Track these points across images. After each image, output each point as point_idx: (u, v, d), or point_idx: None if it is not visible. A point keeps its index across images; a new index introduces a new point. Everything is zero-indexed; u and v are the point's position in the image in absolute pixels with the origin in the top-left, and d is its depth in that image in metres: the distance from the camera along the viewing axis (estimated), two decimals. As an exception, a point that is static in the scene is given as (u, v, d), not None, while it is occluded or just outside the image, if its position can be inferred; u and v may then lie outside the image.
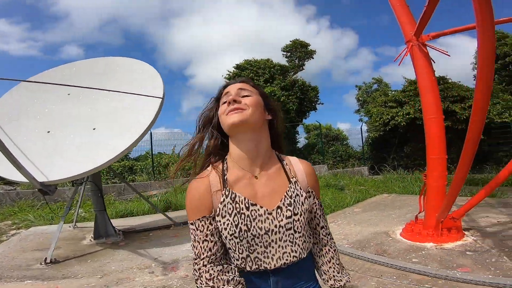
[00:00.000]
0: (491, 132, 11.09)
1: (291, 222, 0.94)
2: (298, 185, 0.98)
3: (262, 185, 0.96)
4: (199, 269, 0.91)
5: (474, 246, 3.54)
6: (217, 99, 1.05)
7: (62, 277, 3.30)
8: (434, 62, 3.99)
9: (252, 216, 0.92)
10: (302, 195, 0.98)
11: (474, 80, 14.00)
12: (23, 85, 5.15)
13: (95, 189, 5.07)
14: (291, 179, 0.99)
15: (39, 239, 5.04)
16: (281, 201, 0.94)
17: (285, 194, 0.95)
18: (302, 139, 15.37)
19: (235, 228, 0.91)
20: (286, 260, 0.94)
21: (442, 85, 11.26)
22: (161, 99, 4.85)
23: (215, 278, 0.90)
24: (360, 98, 16.23)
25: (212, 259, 0.91)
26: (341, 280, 1.04)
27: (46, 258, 3.74)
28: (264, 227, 0.92)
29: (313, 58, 13.13)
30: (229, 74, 13.39)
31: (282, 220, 0.93)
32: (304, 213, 0.96)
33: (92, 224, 5.47)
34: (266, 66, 12.70)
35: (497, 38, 11.96)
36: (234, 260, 0.95)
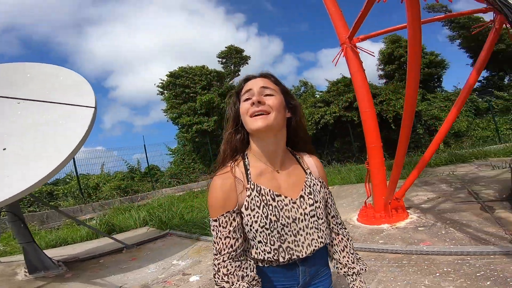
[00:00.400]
0: (397, 124, 13.25)
1: (314, 210, 1.01)
2: (313, 176, 1.07)
3: (284, 178, 1.02)
4: (218, 264, 0.93)
5: (421, 222, 4.08)
6: (237, 92, 1.07)
7: None
8: (362, 62, 4.57)
9: (279, 206, 0.97)
10: (317, 184, 1.07)
11: (379, 79, 16.44)
12: None
13: (14, 220, 4.25)
14: (307, 171, 1.07)
15: None
16: (302, 190, 1.02)
17: (304, 184, 1.03)
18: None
19: (265, 220, 0.95)
20: (315, 246, 1.01)
21: None
22: (93, 109, 4.30)
23: (231, 274, 0.93)
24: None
25: (232, 255, 0.94)
26: (355, 268, 1.11)
27: None
28: (291, 215, 0.98)
29: (247, 63, 13.52)
30: (162, 83, 12.71)
31: (306, 208, 1.00)
32: (321, 201, 1.05)
33: (19, 257, 4.70)
34: (202, 73, 12.49)
35: (392, 41, 14.34)
36: (265, 253, 0.97)
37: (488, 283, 2.35)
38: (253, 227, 0.95)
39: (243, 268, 0.95)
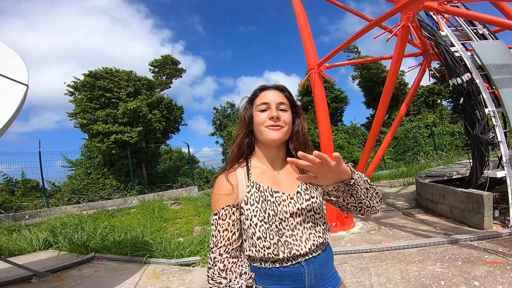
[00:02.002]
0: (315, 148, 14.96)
1: (310, 204, 1.06)
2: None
3: (282, 177, 1.10)
4: (215, 258, 0.96)
5: (368, 227, 4.59)
6: (251, 99, 1.15)
7: None
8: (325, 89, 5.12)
9: (277, 201, 1.03)
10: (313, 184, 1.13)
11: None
12: None
13: None
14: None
15: None
16: (299, 187, 1.08)
17: (301, 182, 1.08)
18: (162, 162, 14.29)
19: (264, 214, 1.00)
20: (314, 241, 1.03)
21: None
22: (26, 87, 3.31)
23: (228, 270, 0.95)
24: (217, 121, 17.28)
25: (228, 248, 0.97)
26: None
27: None
28: (289, 210, 1.02)
29: (181, 76, 12.83)
30: (75, 82, 10.70)
31: (302, 203, 1.05)
32: (319, 196, 1.09)
33: None
34: (130, 78, 11.15)
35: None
36: (265, 249, 0.99)
37: (459, 262, 2.90)
38: (253, 221, 1.00)
39: (240, 265, 0.98)
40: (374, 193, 1.04)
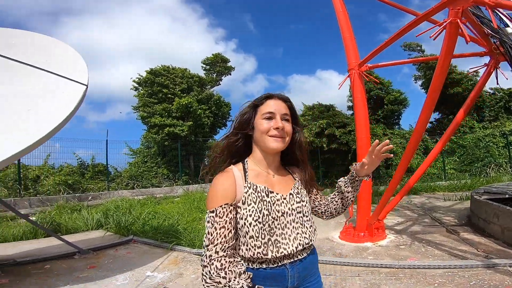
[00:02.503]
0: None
1: (300, 207, 1.14)
2: (300, 183, 1.22)
3: (276, 180, 1.17)
4: (210, 256, 0.95)
5: (400, 241, 4.22)
6: (255, 105, 1.18)
7: None
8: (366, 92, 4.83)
9: (271, 201, 1.08)
10: (304, 189, 1.22)
11: (347, 109, 17.47)
12: None
13: None
14: (296, 179, 1.22)
15: None
16: (291, 189, 1.16)
17: (293, 186, 1.18)
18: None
19: (259, 214, 1.04)
20: (300, 241, 1.09)
21: (331, 111, 13.58)
22: (85, 87, 3.81)
23: (227, 269, 0.94)
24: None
25: (225, 246, 0.97)
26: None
27: None
28: (281, 209, 1.09)
29: (230, 74, 13.38)
30: (139, 78, 11.95)
31: (293, 204, 1.13)
32: (308, 202, 1.19)
33: None
34: (184, 75, 12.04)
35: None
36: (255, 248, 1.02)
37: (484, 291, 2.48)
38: (247, 220, 1.03)
39: (236, 264, 0.98)
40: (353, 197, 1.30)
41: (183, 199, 8.80)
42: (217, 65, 12.66)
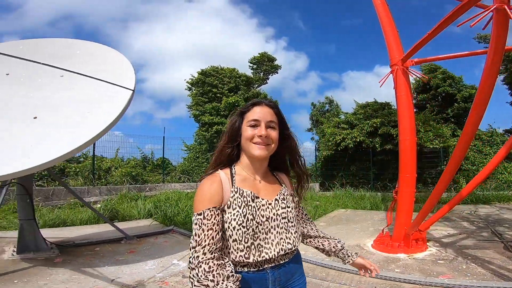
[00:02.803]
0: (422, 157, 12.63)
1: (285, 213, 1.16)
2: (287, 189, 1.23)
3: (263, 186, 1.18)
4: (198, 257, 0.94)
5: (440, 255, 3.79)
6: (242, 112, 1.20)
7: None
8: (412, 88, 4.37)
9: (257, 206, 1.10)
10: (290, 196, 1.23)
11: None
12: None
13: (22, 193, 4.12)
14: (282, 185, 1.24)
15: None
16: (277, 195, 1.18)
17: (279, 192, 1.19)
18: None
19: (243, 218, 1.05)
20: (283, 246, 1.11)
21: (386, 110, 12.57)
22: (131, 92, 4.26)
23: (215, 271, 0.93)
24: (314, 117, 17.06)
25: (212, 248, 0.96)
26: (340, 242, 1.38)
27: None
28: (266, 214, 1.11)
29: (277, 73, 13.44)
30: (192, 79, 12.84)
31: (279, 209, 1.15)
32: (294, 208, 1.21)
33: (12, 233, 4.54)
34: (232, 75, 12.53)
35: (430, 70, 13.84)
36: (238, 251, 1.04)
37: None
38: (231, 224, 1.04)
39: (224, 267, 0.97)
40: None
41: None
42: (264, 64, 12.81)
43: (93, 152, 10.80)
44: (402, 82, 4.15)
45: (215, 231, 1.00)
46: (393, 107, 12.95)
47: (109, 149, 12.18)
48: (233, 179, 1.14)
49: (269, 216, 1.11)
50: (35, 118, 3.72)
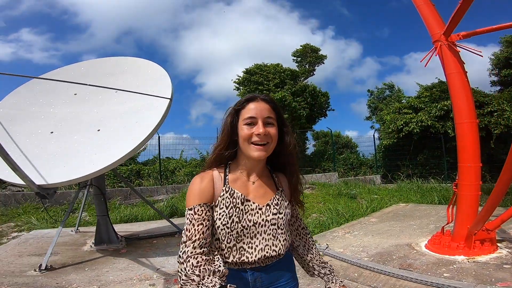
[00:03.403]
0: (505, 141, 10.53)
1: (276, 219, 1.10)
2: (283, 194, 1.17)
3: (256, 188, 1.12)
4: (187, 251, 0.95)
5: (511, 259, 3.15)
6: (237, 110, 1.12)
7: (55, 285, 3.05)
8: (465, 63, 3.73)
9: (245, 210, 1.07)
10: (286, 201, 1.16)
11: (491, 86, 13.51)
12: (28, 85, 5.06)
13: (97, 193, 4.85)
14: (279, 188, 1.17)
15: (38, 243, 4.84)
16: (270, 200, 1.11)
17: (274, 197, 1.13)
18: (310, 146, 15.06)
19: (228, 219, 1.03)
20: (267, 253, 1.07)
21: None
22: (169, 100, 4.65)
23: (201, 267, 0.93)
24: (372, 105, 15.82)
25: (202, 243, 0.96)
26: (327, 268, 1.23)
27: (41, 265, 3.51)
28: (253, 219, 1.06)
29: (323, 63, 12.87)
30: (238, 79, 13.24)
31: (269, 215, 1.09)
32: (287, 214, 1.14)
33: (94, 229, 5.25)
34: (276, 70, 12.50)
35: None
36: (219, 250, 1.05)
37: None
38: (216, 223, 1.04)
39: (212, 262, 0.96)
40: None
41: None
42: (308, 56, 12.38)
43: (159, 155, 12.08)
44: (450, 59, 3.57)
45: (205, 226, 1.00)
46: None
47: (176, 151, 13.49)
48: (226, 177, 1.10)
49: (257, 221, 1.07)
50: (98, 130, 4.42)
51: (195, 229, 0.97)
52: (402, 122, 11.22)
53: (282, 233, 1.10)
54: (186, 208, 1.03)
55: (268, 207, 1.10)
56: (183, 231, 1.00)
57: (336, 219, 5.87)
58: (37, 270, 3.49)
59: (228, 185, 1.08)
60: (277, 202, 1.12)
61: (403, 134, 11.33)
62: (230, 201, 1.06)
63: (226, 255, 1.05)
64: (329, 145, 13.80)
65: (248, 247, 1.05)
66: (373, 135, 13.55)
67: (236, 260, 1.05)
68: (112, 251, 4.42)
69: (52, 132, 4.24)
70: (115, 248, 4.57)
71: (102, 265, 3.81)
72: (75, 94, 5.02)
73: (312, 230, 5.12)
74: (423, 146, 11.88)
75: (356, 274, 3.09)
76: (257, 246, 1.06)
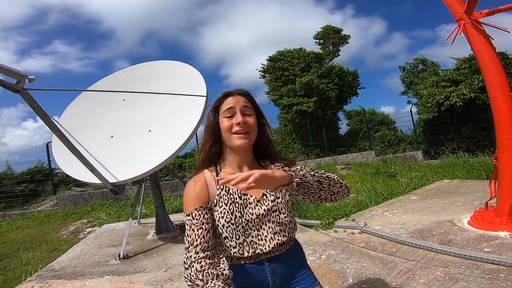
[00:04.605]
0: None
1: (275, 205, 1.11)
2: None
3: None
4: (191, 257, 0.97)
5: None
6: (216, 107, 1.18)
7: (134, 271, 3.54)
8: (493, 39, 3.61)
9: (244, 204, 1.08)
10: None
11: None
12: (82, 96, 5.67)
13: (154, 187, 5.41)
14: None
15: (111, 235, 5.54)
16: (264, 189, 1.11)
17: None
18: (344, 126, 14.82)
19: (231, 215, 1.06)
20: (278, 240, 1.09)
21: (502, 61, 9.89)
22: (205, 98, 5.00)
23: (205, 271, 0.94)
24: (406, 80, 14.98)
25: (204, 247, 0.97)
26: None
27: (119, 254, 4.07)
28: (255, 212, 1.08)
29: (348, 43, 12.50)
30: (263, 67, 13.31)
31: (268, 204, 1.10)
32: (284, 197, 1.13)
33: (152, 220, 5.82)
34: (300, 55, 12.36)
35: None
36: (231, 248, 1.06)
37: None
38: (220, 222, 1.06)
39: (216, 265, 0.97)
40: (330, 182, 1.05)
41: (313, 172, 9.42)
42: (330, 37, 12.06)
43: (197, 148, 12.78)
44: (476, 37, 3.49)
45: (205, 230, 1.01)
46: (510, 56, 10.21)
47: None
48: (219, 175, 1.13)
49: (259, 213, 1.09)
50: (149, 131, 4.95)
51: (195, 234, 0.99)
52: (443, 96, 10.57)
53: (285, 217, 1.12)
54: (185, 215, 1.05)
55: (264, 196, 1.11)
56: (185, 237, 1.02)
57: (375, 198, 5.93)
58: (117, 259, 4.04)
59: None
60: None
61: (444, 107, 10.70)
62: (228, 198, 1.08)
63: (240, 252, 1.07)
64: (363, 123, 13.48)
65: (258, 239, 1.08)
66: (410, 110, 12.94)
67: (251, 254, 1.08)
68: (171, 239, 4.94)
69: (112, 136, 4.86)
70: (173, 235, 5.08)
71: (165, 251, 4.32)
72: (124, 100, 5.61)
73: (350, 210, 5.28)
74: (468, 119, 11.14)
75: (394, 249, 3.25)
76: (266, 236, 1.09)
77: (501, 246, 2.97)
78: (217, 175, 1.13)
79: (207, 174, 1.13)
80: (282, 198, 1.13)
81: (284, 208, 1.13)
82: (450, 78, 10.97)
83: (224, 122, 1.11)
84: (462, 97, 10.15)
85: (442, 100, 10.63)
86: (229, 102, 1.13)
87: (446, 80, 11.04)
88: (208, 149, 1.17)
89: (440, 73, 12.46)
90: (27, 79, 2.53)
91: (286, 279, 1.15)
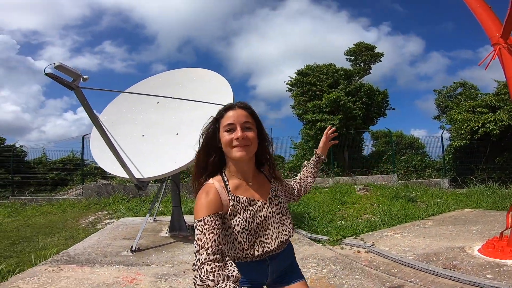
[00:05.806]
0: None
1: (279, 208, 1.30)
2: (275, 184, 1.36)
3: (255, 188, 1.28)
4: (200, 259, 1.00)
5: None
6: (217, 119, 1.25)
7: (142, 264, 3.75)
8: None
9: (254, 209, 1.22)
10: (279, 189, 1.37)
11: None
12: (123, 96, 6.20)
13: (174, 187, 5.74)
14: (271, 181, 1.36)
15: (127, 229, 5.87)
16: (269, 194, 1.30)
17: (270, 190, 1.32)
18: (368, 147, 14.56)
19: (245, 222, 1.18)
20: (281, 238, 1.26)
21: None
22: None
23: (216, 272, 0.97)
24: (441, 104, 14.48)
25: (215, 250, 1.01)
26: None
27: (132, 247, 4.35)
28: (263, 214, 1.24)
29: (380, 61, 12.36)
30: (291, 80, 13.56)
31: (273, 207, 1.28)
32: (284, 201, 1.36)
33: (168, 218, 6.09)
34: (329, 71, 12.49)
35: None
36: (244, 250, 1.18)
37: None
38: (236, 229, 1.16)
39: (226, 268, 1.01)
40: (315, 173, 1.66)
41: (330, 190, 9.33)
42: (362, 54, 12.02)
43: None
44: (510, 61, 3.46)
45: (216, 234, 1.05)
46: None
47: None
48: (227, 187, 1.21)
49: (266, 215, 1.24)
50: (177, 134, 5.37)
51: (206, 238, 1.03)
52: (479, 124, 10.10)
53: (286, 218, 1.31)
54: (195, 220, 1.09)
55: (270, 200, 1.28)
56: (195, 242, 1.05)
57: (389, 220, 5.86)
58: (128, 251, 4.30)
59: (232, 194, 1.19)
60: (275, 193, 1.32)
61: (479, 135, 10.22)
62: (240, 207, 1.19)
63: (250, 252, 1.18)
64: (389, 145, 13.18)
65: (265, 239, 1.22)
66: (441, 136, 12.48)
67: (260, 253, 1.20)
68: (182, 238, 5.15)
69: (143, 135, 5.34)
70: (184, 235, 5.30)
71: (175, 248, 4.55)
72: (158, 103, 6.12)
73: (361, 229, 5.28)
74: (503, 148, 10.53)
75: (396, 270, 3.28)
76: (271, 235, 1.23)
77: (505, 273, 2.93)
78: (225, 185, 1.20)
79: (216, 185, 1.19)
80: (283, 203, 1.34)
81: (285, 211, 1.32)
82: (488, 103, 10.42)
83: (225, 136, 1.18)
84: (499, 124, 9.66)
85: (477, 127, 10.18)
86: (230, 116, 1.20)
87: (484, 106, 10.47)
88: (201, 159, 1.26)
89: (479, 97, 11.93)
90: (81, 78, 2.98)
91: (280, 272, 1.33)
